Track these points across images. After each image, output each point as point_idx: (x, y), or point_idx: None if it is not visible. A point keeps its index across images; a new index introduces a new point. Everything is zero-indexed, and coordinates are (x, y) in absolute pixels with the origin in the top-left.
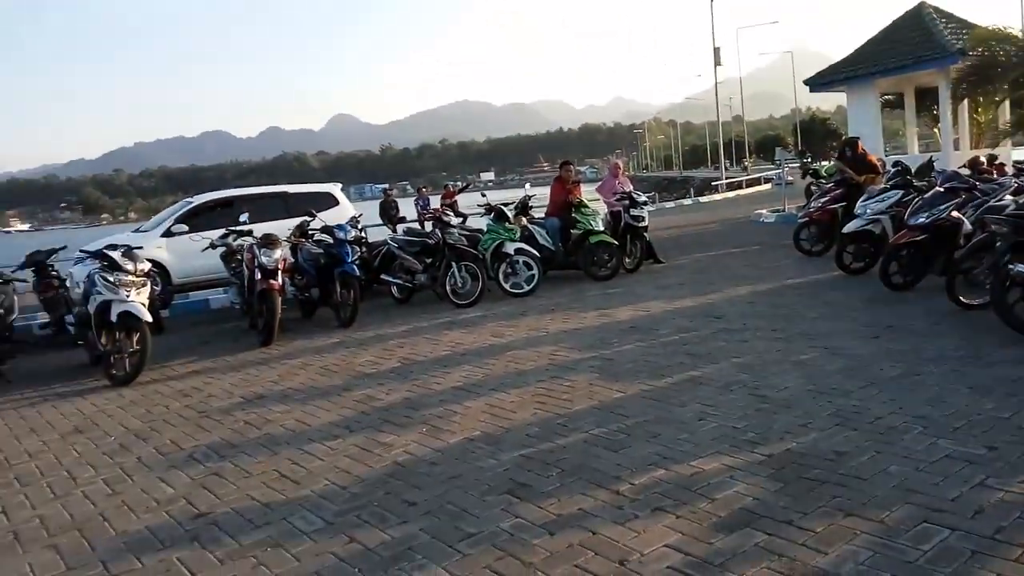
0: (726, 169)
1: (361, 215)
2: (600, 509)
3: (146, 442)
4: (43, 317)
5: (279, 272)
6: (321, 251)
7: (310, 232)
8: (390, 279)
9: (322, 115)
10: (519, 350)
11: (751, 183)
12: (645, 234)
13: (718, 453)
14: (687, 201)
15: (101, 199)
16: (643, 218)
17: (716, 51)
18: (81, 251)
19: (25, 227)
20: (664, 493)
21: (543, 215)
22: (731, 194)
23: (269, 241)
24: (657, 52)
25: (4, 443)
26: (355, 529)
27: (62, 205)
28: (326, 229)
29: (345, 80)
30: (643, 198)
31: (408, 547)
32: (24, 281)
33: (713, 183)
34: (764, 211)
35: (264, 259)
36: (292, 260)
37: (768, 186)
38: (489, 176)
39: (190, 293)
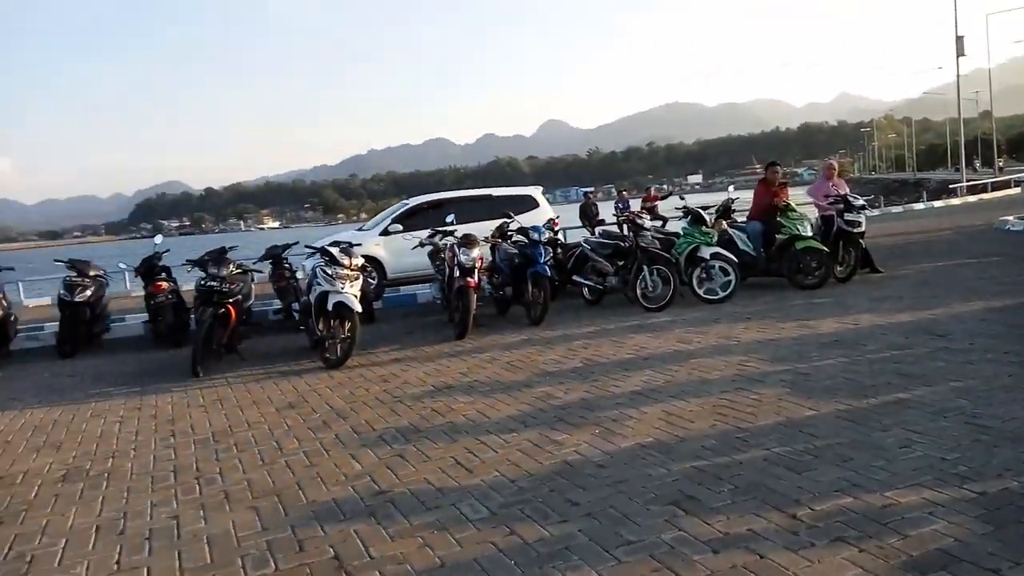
0: (975, 171)
1: (559, 217)
2: (772, 532)
3: (345, 420)
4: (277, 304)
5: (476, 270)
6: (516, 251)
7: (509, 233)
8: (582, 280)
9: (534, 121)
10: (705, 358)
11: (997, 186)
12: (861, 241)
13: (919, 485)
14: (919, 205)
15: (338, 201)
16: (859, 223)
17: (959, 40)
18: (307, 246)
19: (275, 225)
20: (848, 523)
21: (745, 219)
22: (972, 198)
23: (468, 241)
24: (890, 42)
25: (231, 413)
26: (517, 522)
27: (306, 206)
28: (521, 230)
29: (556, 86)
30: (860, 202)
31: (565, 546)
32: (260, 272)
33: (951, 186)
34: (1011, 218)
35: (463, 258)
36: (490, 259)
37: (1017, 190)
38: (696, 179)
39: (401, 287)
